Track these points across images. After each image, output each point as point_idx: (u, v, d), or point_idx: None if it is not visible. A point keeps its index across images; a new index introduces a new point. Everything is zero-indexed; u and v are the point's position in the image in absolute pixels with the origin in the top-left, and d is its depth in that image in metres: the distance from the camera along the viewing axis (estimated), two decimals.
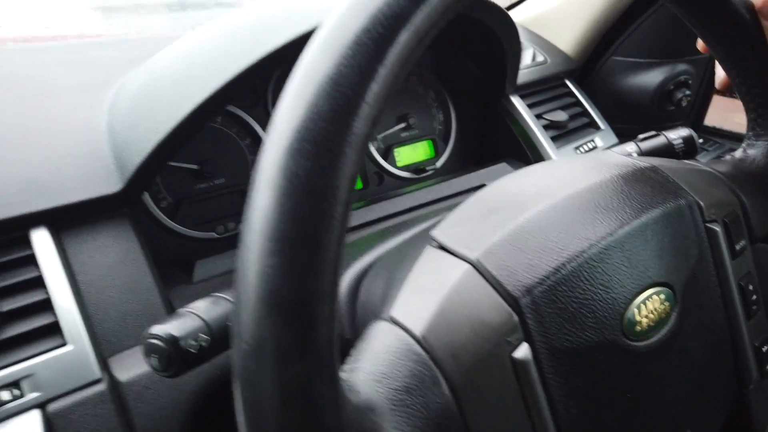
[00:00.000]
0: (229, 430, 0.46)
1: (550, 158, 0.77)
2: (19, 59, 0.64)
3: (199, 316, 0.35)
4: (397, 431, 0.26)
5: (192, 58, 0.52)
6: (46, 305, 0.43)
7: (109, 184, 0.48)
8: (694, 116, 0.95)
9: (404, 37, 0.23)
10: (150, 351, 0.34)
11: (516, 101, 0.80)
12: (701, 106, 0.95)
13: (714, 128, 0.95)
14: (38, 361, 0.41)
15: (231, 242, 0.61)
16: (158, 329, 0.34)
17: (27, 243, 0.45)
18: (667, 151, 0.57)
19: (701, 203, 0.39)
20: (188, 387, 0.44)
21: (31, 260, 0.44)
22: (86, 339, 0.43)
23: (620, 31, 0.87)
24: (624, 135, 0.86)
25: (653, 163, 0.41)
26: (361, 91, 0.22)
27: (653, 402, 0.36)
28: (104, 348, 0.44)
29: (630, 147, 0.58)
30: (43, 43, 0.73)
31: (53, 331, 0.43)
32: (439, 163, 0.80)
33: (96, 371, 0.42)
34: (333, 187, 0.22)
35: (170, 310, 0.48)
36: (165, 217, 0.59)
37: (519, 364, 0.30)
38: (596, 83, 0.92)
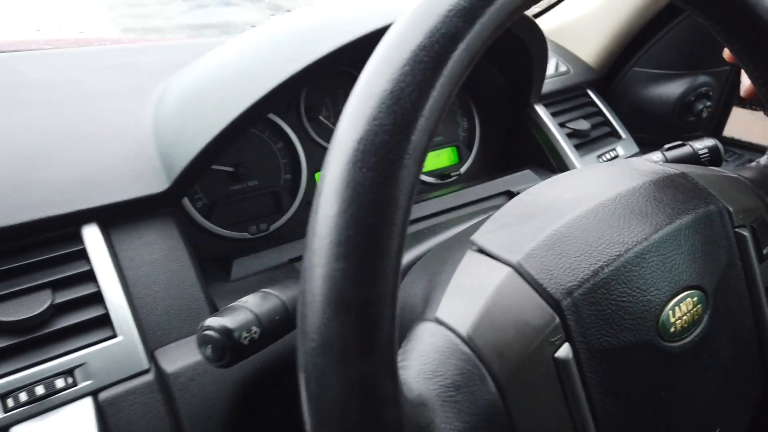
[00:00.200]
0: (270, 421, 0.48)
1: (573, 166, 0.78)
2: (62, 63, 0.67)
3: (250, 310, 0.37)
4: (448, 425, 0.28)
5: (238, 64, 0.54)
6: (96, 298, 0.45)
7: (156, 183, 0.50)
8: (714, 127, 0.96)
9: (458, 54, 0.25)
10: (204, 342, 0.36)
11: (540, 110, 0.81)
12: (721, 117, 0.96)
13: (733, 139, 0.96)
14: (90, 351, 0.43)
15: (263, 242, 0.63)
16: (213, 321, 0.36)
17: (79, 238, 0.47)
18: (692, 160, 0.58)
19: (730, 209, 0.40)
20: (231, 379, 0.46)
21: (83, 255, 0.46)
22: (135, 331, 0.45)
23: (642, 43, 0.89)
24: (645, 144, 0.87)
25: (682, 170, 0.42)
26: (419, 105, 0.24)
27: (685, 401, 0.37)
28: (150, 340, 0.46)
29: (656, 156, 0.59)
30: (80, 48, 0.75)
31: (104, 322, 0.44)
32: (462, 169, 0.82)
33: (144, 362, 0.44)
34: (395, 196, 0.23)
35: (212, 305, 0.50)
36: (201, 217, 0.61)
37: (561, 364, 0.32)
38: (618, 93, 0.93)
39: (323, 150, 0.69)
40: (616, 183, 0.40)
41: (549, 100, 0.84)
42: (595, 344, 0.33)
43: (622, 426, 0.34)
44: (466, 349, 0.31)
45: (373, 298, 0.23)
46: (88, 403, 0.41)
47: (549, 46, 0.94)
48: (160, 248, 0.49)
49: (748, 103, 0.93)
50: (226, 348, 0.35)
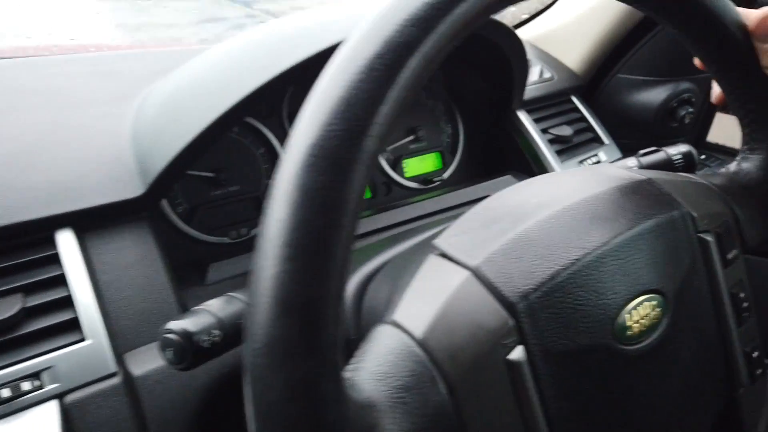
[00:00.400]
0: (236, 425, 0.48)
1: (554, 171, 0.79)
2: (49, 70, 0.68)
3: (212, 314, 0.37)
4: (395, 426, 0.28)
5: (214, 71, 0.55)
6: (67, 302, 0.45)
7: (131, 188, 0.51)
8: (697, 133, 0.97)
9: (413, 63, 0.26)
10: (165, 345, 0.36)
11: (522, 116, 0.82)
12: (704, 122, 0.96)
13: (716, 144, 0.96)
14: (58, 355, 0.43)
15: (243, 247, 0.63)
16: (174, 324, 0.36)
17: (52, 243, 0.47)
18: (666, 166, 0.59)
19: (694, 214, 0.41)
20: (198, 383, 0.46)
21: (55, 259, 0.47)
22: (104, 335, 0.45)
23: (625, 50, 0.89)
24: (629, 150, 0.88)
25: (649, 176, 0.43)
26: (372, 111, 0.25)
27: (644, 404, 0.37)
28: (120, 344, 0.46)
29: (631, 162, 0.59)
30: (67, 54, 0.76)
31: (73, 326, 0.45)
32: (446, 175, 0.82)
33: (112, 365, 0.44)
34: (343, 200, 0.24)
35: (184, 310, 0.50)
36: (181, 222, 0.61)
37: (513, 366, 0.32)
38: (601, 100, 0.93)
39: None
40: (581, 188, 0.41)
41: (533, 106, 0.85)
42: (550, 347, 0.33)
43: (577, 428, 0.34)
44: (419, 351, 0.31)
45: (318, 300, 0.23)
46: (53, 406, 0.41)
47: (534, 52, 0.95)
48: (134, 253, 0.50)
49: (721, 109, 0.93)
50: (186, 351, 0.36)
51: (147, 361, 0.45)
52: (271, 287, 0.23)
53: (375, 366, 0.30)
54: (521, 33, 0.99)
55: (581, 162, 0.83)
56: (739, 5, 0.41)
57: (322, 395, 0.24)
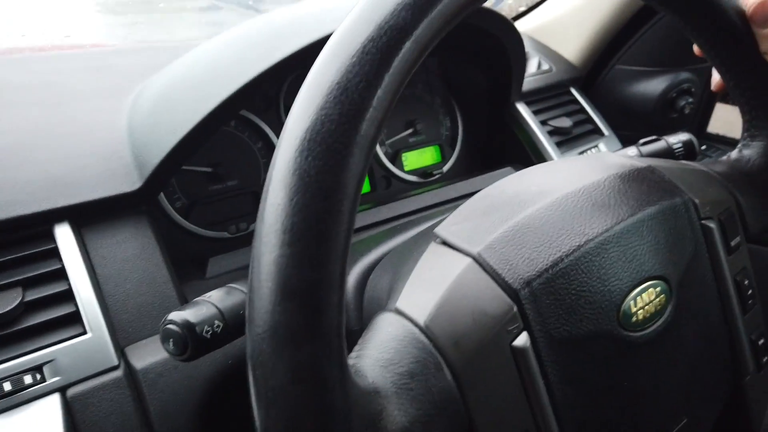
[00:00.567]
0: (238, 416, 0.48)
1: None
2: (43, 66, 0.68)
3: (213, 305, 0.37)
4: (401, 412, 0.28)
5: (209, 64, 0.55)
6: (67, 296, 0.45)
7: (129, 182, 0.50)
8: (698, 123, 0.97)
9: (407, 47, 0.26)
10: (167, 336, 0.36)
11: (521, 108, 0.82)
12: (704, 113, 0.96)
13: (717, 135, 0.96)
14: (59, 348, 0.43)
15: (242, 241, 0.63)
16: (175, 315, 0.36)
17: (51, 237, 0.47)
18: (667, 155, 0.59)
19: (696, 201, 0.40)
20: (200, 375, 0.46)
21: (55, 253, 0.46)
22: (104, 328, 0.45)
23: (624, 41, 0.89)
24: (628, 142, 0.87)
25: (650, 163, 0.43)
26: (367, 96, 0.25)
27: (649, 391, 0.37)
28: (121, 337, 0.46)
29: (631, 151, 0.59)
30: (63, 51, 0.76)
31: (74, 320, 0.45)
32: (445, 168, 0.82)
33: (113, 358, 0.44)
34: (341, 184, 0.24)
35: (184, 303, 0.50)
36: (179, 217, 0.61)
37: (518, 352, 0.32)
38: (601, 91, 0.93)
39: None
40: (581, 176, 0.41)
41: (531, 98, 0.85)
42: (554, 333, 0.33)
43: (583, 414, 0.34)
44: (423, 338, 0.31)
45: (319, 284, 0.23)
46: (55, 399, 0.41)
47: (532, 44, 0.95)
48: (133, 246, 0.50)
49: (722, 98, 0.93)
50: (187, 342, 0.36)
51: (148, 354, 0.45)
52: (271, 272, 0.23)
53: (379, 353, 0.30)
54: (519, 25, 0.99)
55: (581, 153, 0.83)
56: None
57: (326, 379, 0.24)
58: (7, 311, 0.42)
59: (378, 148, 0.76)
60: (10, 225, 0.45)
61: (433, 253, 0.37)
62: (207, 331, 0.36)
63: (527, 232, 0.35)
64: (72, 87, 0.62)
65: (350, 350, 0.30)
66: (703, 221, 0.41)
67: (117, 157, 0.52)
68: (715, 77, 0.47)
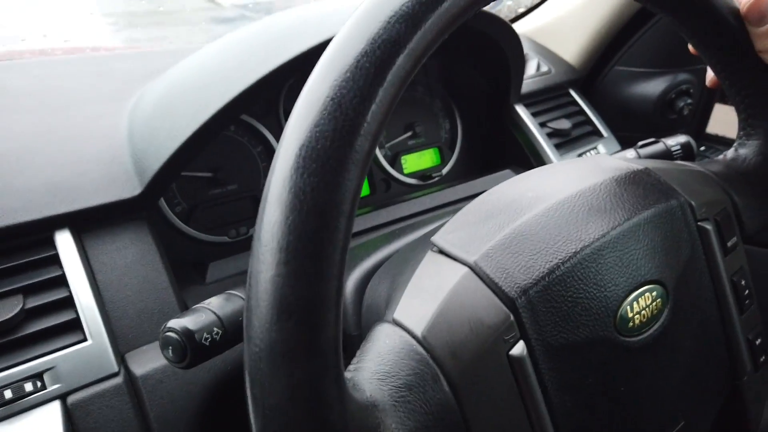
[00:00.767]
0: (237, 422, 0.48)
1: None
2: (43, 71, 0.68)
3: (213, 312, 0.37)
4: (399, 425, 0.28)
5: (209, 69, 0.55)
6: (68, 303, 0.45)
7: (129, 188, 0.51)
8: (697, 124, 0.97)
9: (401, 60, 0.26)
10: (166, 344, 0.36)
11: (520, 110, 0.82)
12: (703, 113, 0.96)
13: (716, 135, 0.96)
14: (60, 355, 0.43)
15: (243, 245, 0.63)
16: (174, 323, 0.36)
17: (51, 244, 0.47)
18: (665, 157, 0.58)
19: (692, 203, 0.40)
20: (200, 381, 0.46)
21: (55, 260, 0.47)
22: (105, 335, 0.45)
23: (622, 42, 0.89)
24: (628, 143, 0.87)
25: (646, 166, 0.43)
26: (361, 111, 0.24)
27: (647, 395, 0.37)
28: (121, 344, 0.46)
29: (629, 153, 0.59)
30: (63, 56, 0.76)
31: (74, 327, 0.45)
32: (444, 170, 0.82)
33: (114, 365, 0.44)
34: (336, 201, 0.24)
35: (184, 309, 0.50)
36: (180, 222, 0.61)
37: (515, 361, 0.32)
38: (600, 92, 0.93)
39: None
40: (577, 180, 0.41)
41: (530, 100, 0.85)
42: (551, 341, 0.33)
43: (581, 421, 0.34)
44: (420, 349, 0.31)
45: (315, 302, 0.23)
46: (56, 406, 0.41)
47: (530, 46, 0.95)
48: (133, 252, 0.50)
49: (721, 97, 0.93)
50: (186, 349, 0.36)
51: (149, 361, 0.45)
52: (268, 291, 0.23)
53: (376, 366, 0.30)
54: (518, 27, 0.99)
55: (580, 155, 0.83)
56: None
57: (323, 396, 0.24)
58: (8, 319, 0.42)
59: (377, 151, 0.76)
60: (10, 232, 0.46)
61: (430, 262, 0.37)
62: (206, 339, 0.36)
63: (523, 240, 0.35)
64: (72, 92, 0.63)
65: (349, 357, 0.30)
66: (699, 223, 0.41)
67: (117, 162, 0.52)
68: (710, 73, 0.47)
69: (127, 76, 0.67)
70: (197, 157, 0.59)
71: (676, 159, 0.59)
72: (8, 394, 0.40)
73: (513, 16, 1.05)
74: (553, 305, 0.34)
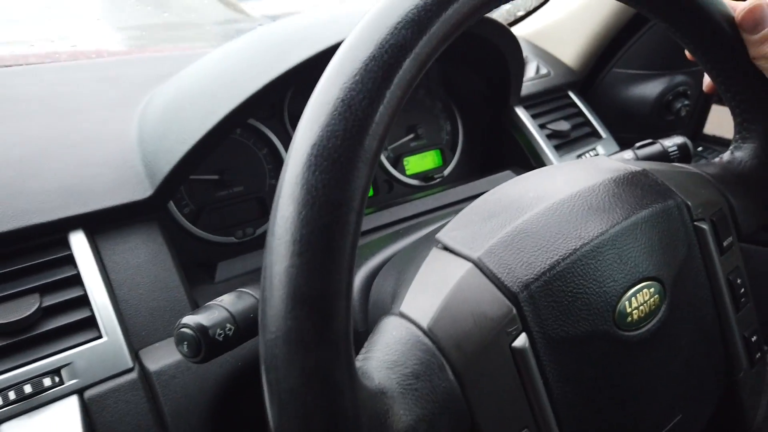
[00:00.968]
0: (250, 416, 0.49)
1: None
2: (53, 77, 0.69)
3: (225, 309, 0.39)
4: (407, 412, 0.30)
5: (217, 73, 0.56)
6: (83, 301, 0.47)
7: (140, 190, 0.52)
8: (694, 125, 0.98)
9: (407, 64, 0.27)
10: (181, 339, 0.38)
11: (520, 112, 0.83)
12: (700, 115, 0.97)
13: (714, 136, 0.98)
14: (76, 352, 0.44)
15: (250, 246, 0.65)
16: (189, 319, 0.38)
17: (66, 244, 0.49)
18: (662, 158, 0.60)
19: (689, 203, 0.42)
20: (212, 376, 0.47)
21: (70, 260, 0.48)
22: (119, 332, 0.46)
23: (620, 45, 0.90)
24: (626, 144, 0.89)
25: (643, 167, 0.44)
26: (370, 112, 0.26)
27: (645, 388, 0.38)
28: (135, 340, 0.48)
29: (627, 154, 0.61)
30: (72, 61, 0.77)
31: (90, 324, 0.46)
32: (446, 172, 0.84)
33: (128, 361, 0.46)
34: (347, 197, 0.25)
35: (195, 307, 0.51)
36: (188, 223, 0.62)
37: (517, 353, 0.33)
38: (598, 94, 0.95)
39: None
40: (577, 181, 0.42)
41: (530, 102, 0.86)
42: (552, 334, 0.35)
43: (581, 412, 0.36)
44: (426, 340, 0.32)
45: (327, 292, 0.25)
46: (74, 401, 0.43)
47: (530, 49, 0.97)
48: (145, 252, 0.51)
49: (718, 99, 0.94)
50: (201, 344, 0.37)
51: (162, 357, 0.47)
52: (282, 281, 0.24)
53: (384, 355, 0.31)
54: (517, 30, 1.01)
55: (579, 156, 0.84)
56: None
57: (336, 382, 0.25)
58: (26, 316, 0.43)
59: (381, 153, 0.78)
60: (26, 233, 0.47)
61: (435, 258, 0.38)
62: (219, 334, 0.37)
63: (525, 237, 0.37)
64: (82, 97, 0.64)
65: (356, 352, 0.32)
66: (695, 223, 0.42)
67: (128, 166, 0.54)
68: (707, 79, 0.49)
69: (136, 81, 0.69)
70: (205, 160, 0.60)
71: (673, 160, 0.60)
72: (28, 388, 0.42)
73: (512, 19, 1.06)
74: (554, 299, 0.35)
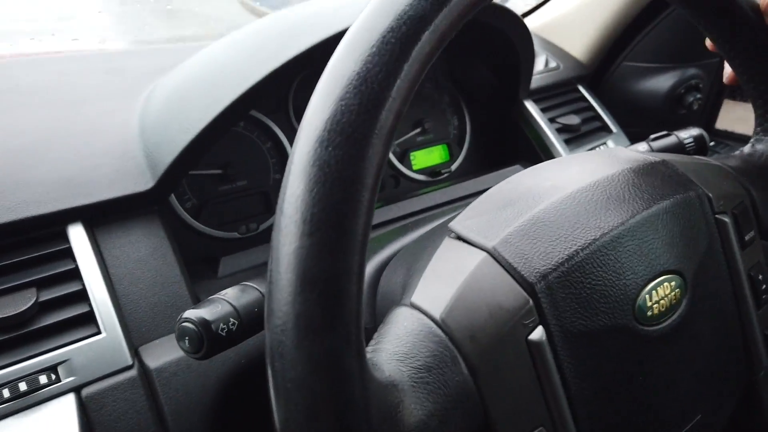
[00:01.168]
0: (253, 415, 0.48)
1: None
2: (54, 68, 0.68)
3: (229, 302, 0.37)
4: (418, 406, 0.28)
5: (220, 63, 0.55)
6: (81, 296, 0.45)
7: (141, 182, 0.51)
8: (706, 119, 0.96)
9: (426, 36, 0.26)
10: (183, 334, 0.36)
11: (530, 106, 0.82)
12: (712, 109, 0.96)
13: (725, 131, 0.96)
14: (74, 348, 0.43)
15: (253, 241, 0.63)
16: (191, 313, 0.36)
17: (64, 237, 0.47)
18: (677, 150, 0.58)
19: (710, 195, 0.40)
20: (213, 374, 0.46)
21: (68, 254, 0.47)
22: (118, 328, 0.45)
23: (630, 37, 0.89)
24: (637, 139, 0.87)
25: (663, 158, 0.42)
26: (387, 86, 0.24)
27: (665, 386, 0.37)
28: (135, 337, 0.46)
29: (642, 147, 0.59)
30: (73, 53, 0.76)
31: (88, 320, 0.45)
32: (453, 167, 0.82)
33: (128, 358, 0.44)
34: (361, 174, 0.24)
35: (196, 302, 0.50)
36: (190, 218, 0.61)
37: (534, 346, 0.32)
38: (608, 88, 0.93)
39: None
40: (594, 170, 0.40)
41: (539, 96, 0.84)
42: (569, 327, 0.33)
43: (598, 408, 0.34)
44: (438, 331, 0.31)
45: (338, 275, 0.23)
46: (70, 399, 0.41)
47: (539, 42, 0.95)
48: (146, 246, 0.50)
49: (735, 90, 0.93)
50: (203, 339, 0.36)
51: (162, 354, 0.45)
52: (291, 263, 0.23)
53: (395, 347, 0.30)
54: (525, 22, 0.99)
55: (590, 150, 0.83)
56: None
57: (345, 370, 0.23)
58: (22, 311, 0.42)
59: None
60: (24, 225, 0.46)
61: (448, 247, 0.37)
62: (222, 329, 0.36)
63: (542, 226, 0.35)
64: (83, 88, 0.63)
65: (366, 344, 0.30)
66: (717, 215, 0.41)
67: (129, 157, 0.52)
68: (727, 70, 0.47)
69: (137, 73, 0.67)
70: (208, 152, 0.59)
71: (689, 152, 0.59)
72: (23, 386, 0.40)
73: (521, 12, 1.05)
74: (572, 291, 0.33)
